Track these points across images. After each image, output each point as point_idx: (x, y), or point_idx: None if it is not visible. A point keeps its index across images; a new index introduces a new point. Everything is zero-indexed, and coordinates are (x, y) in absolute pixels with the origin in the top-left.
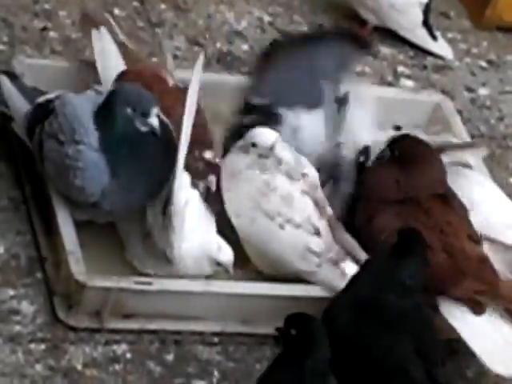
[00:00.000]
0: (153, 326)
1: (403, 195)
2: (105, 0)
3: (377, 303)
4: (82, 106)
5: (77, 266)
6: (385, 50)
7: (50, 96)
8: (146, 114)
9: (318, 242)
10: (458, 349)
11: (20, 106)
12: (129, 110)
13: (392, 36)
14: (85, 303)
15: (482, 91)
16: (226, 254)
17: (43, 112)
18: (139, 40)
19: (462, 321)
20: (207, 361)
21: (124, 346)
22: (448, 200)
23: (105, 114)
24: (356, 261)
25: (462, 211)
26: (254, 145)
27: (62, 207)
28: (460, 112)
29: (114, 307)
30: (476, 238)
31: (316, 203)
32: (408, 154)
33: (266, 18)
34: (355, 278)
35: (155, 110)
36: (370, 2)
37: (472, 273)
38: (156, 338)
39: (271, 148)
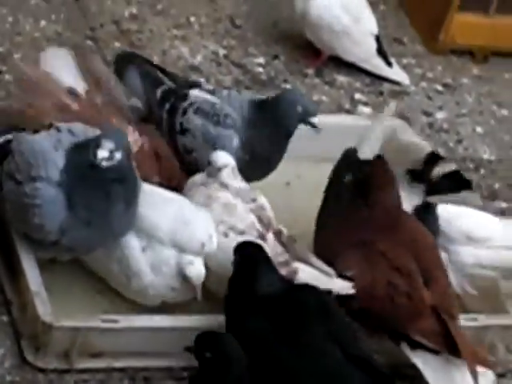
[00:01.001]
0: (121, 363)
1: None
2: (60, 41)
3: (278, 300)
4: (41, 142)
5: (43, 307)
6: (341, 78)
7: (9, 137)
8: (98, 146)
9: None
10: None
11: None
12: (92, 144)
13: (348, 64)
14: (52, 344)
15: (440, 115)
16: (196, 270)
17: (2, 153)
18: None
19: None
20: None
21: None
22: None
23: (77, 150)
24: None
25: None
26: (209, 163)
27: (25, 248)
28: (419, 135)
29: (81, 347)
30: (430, 276)
31: (260, 219)
32: (368, 176)
33: (221, 52)
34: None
35: (108, 144)
36: (325, 33)
37: (425, 316)
38: (125, 376)
39: (219, 169)
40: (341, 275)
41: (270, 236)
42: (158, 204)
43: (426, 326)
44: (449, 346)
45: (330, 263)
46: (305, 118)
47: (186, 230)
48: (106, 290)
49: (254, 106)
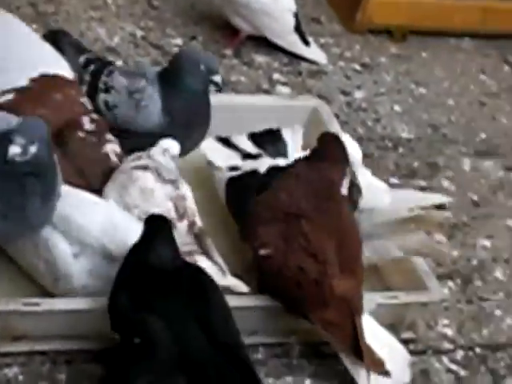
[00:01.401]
0: (43, 346)
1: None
2: None
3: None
4: None
5: None
6: (259, 59)
7: None
8: (10, 141)
9: None
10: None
11: None
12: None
13: (266, 44)
14: None
15: (358, 94)
16: None
17: None
18: None
19: None
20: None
21: (15, 369)
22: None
23: None
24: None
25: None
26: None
27: None
28: (337, 115)
29: (3, 330)
30: (347, 268)
31: (176, 208)
32: (319, 149)
33: (139, 33)
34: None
35: (20, 139)
36: (243, 10)
37: (332, 307)
38: (47, 359)
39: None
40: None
41: (183, 225)
42: (86, 208)
43: (331, 317)
44: (349, 341)
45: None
46: (209, 78)
47: (115, 236)
48: (26, 274)
49: (161, 76)
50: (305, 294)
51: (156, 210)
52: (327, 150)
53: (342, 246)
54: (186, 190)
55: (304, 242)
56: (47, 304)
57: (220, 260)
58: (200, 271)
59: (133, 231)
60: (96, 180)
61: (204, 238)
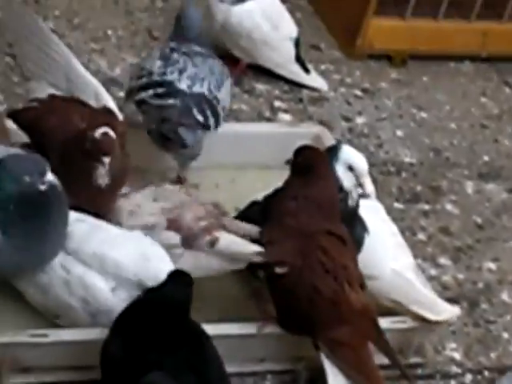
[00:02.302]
0: (51, 377)
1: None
2: None
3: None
4: None
5: None
6: (260, 87)
7: None
8: (43, 174)
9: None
10: None
11: None
12: (26, 178)
13: (266, 72)
14: None
15: (359, 120)
16: None
17: None
18: (15, 95)
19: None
20: None
21: None
22: (342, 241)
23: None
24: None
25: (353, 251)
26: None
27: None
28: (339, 142)
29: (11, 361)
30: (363, 283)
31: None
32: (309, 166)
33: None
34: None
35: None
36: (244, 42)
37: (350, 322)
38: None
39: None
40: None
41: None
42: (119, 243)
43: (343, 336)
44: (358, 363)
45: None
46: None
47: (149, 266)
48: (32, 306)
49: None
50: (318, 313)
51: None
52: (315, 165)
53: (354, 259)
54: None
55: (323, 257)
56: (55, 335)
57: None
58: (195, 324)
59: (164, 259)
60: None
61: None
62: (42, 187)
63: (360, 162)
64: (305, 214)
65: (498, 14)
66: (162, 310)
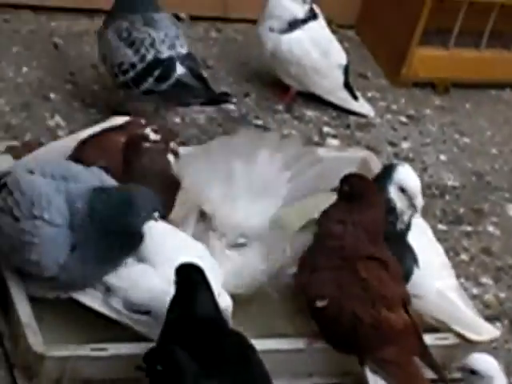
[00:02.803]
0: None
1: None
2: (40, 85)
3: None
4: (44, 185)
5: (34, 338)
6: (309, 113)
7: None
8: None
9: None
10: None
11: None
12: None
13: (315, 98)
14: (44, 373)
15: (405, 145)
16: (225, 301)
17: None
18: (76, 121)
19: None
20: None
21: None
22: (385, 265)
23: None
24: None
25: (396, 274)
26: None
27: (15, 282)
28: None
29: (72, 374)
30: (406, 302)
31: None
32: (356, 193)
33: None
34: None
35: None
36: (294, 69)
37: (395, 342)
38: None
39: None
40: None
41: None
42: (180, 249)
43: (390, 355)
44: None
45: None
46: None
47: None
48: (94, 319)
49: None
50: (361, 338)
51: None
52: (363, 193)
53: (397, 280)
54: None
55: (361, 288)
56: (114, 349)
57: None
58: (240, 335)
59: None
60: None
61: None
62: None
63: (414, 183)
64: (351, 238)
65: None
66: (203, 325)
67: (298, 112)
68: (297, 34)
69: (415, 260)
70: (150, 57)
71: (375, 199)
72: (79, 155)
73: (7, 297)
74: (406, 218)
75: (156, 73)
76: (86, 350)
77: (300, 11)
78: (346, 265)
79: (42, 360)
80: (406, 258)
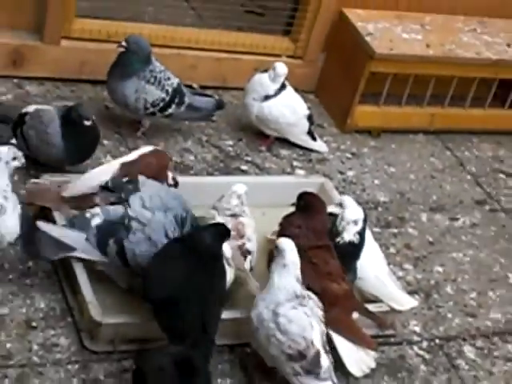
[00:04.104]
0: (150, 346)
1: (303, 243)
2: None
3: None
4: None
5: (94, 311)
6: (283, 152)
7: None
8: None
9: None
10: None
11: None
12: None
13: (287, 142)
14: (102, 335)
15: (350, 173)
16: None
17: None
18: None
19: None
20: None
21: (131, 361)
22: (328, 250)
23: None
24: None
25: (334, 257)
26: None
27: (80, 269)
28: (337, 188)
29: (122, 336)
30: (344, 277)
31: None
32: (307, 206)
33: (204, 138)
34: None
35: None
36: (272, 125)
37: (339, 305)
38: None
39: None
40: None
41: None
42: None
43: (337, 315)
44: (350, 331)
45: None
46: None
47: None
48: (134, 297)
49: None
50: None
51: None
52: (312, 206)
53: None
54: (246, 219)
55: (312, 271)
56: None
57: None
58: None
59: None
60: None
61: (246, 257)
62: None
63: (357, 210)
64: (304, 237)
65: (441, 102)
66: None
67: (276, 151)
68: (273, 101)
69: (355, 275)
70: (170, 89)
71: (320, 209)
72: (125, 172)
73: (75, 281)
74: (351, 232)
75: (177, 100)
76: (131, 319)
77: (271, 89)
78: (301, 254)
79: (99, 326)
80: (352, 264)
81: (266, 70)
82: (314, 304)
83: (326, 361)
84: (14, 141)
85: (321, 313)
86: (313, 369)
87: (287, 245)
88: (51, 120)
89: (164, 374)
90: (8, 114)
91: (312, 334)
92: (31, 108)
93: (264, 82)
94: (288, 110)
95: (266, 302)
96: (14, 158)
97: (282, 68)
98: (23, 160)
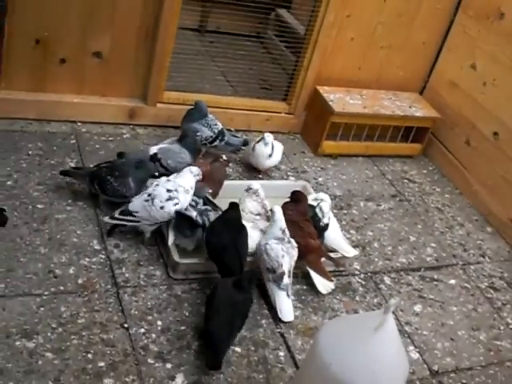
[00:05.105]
0: (210, 276)
1: (294, 219)
2: None
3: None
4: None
5: (176, 256)
6: (282, 167)
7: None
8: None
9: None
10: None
11: None
12: None
13: (283, 161)
14: (180, 269)
15: (320, 179)
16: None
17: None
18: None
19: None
20: None
21: (197, 283)
22: (309, 222)
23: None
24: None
25: (312, 227)
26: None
27: (170, 241)
28: (313, 187)
29: (192, 270)
30: (318, 237)
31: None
32: (297, 198)
33: (237, 159)
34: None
35: None
36: (254, 161)
37: (314, 252)
38: (210, 283)
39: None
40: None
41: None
42: None
43: (313, 258)
44: (320, 268)
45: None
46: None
47: None
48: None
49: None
50: (301, 251)
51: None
52: (300, 198)
53: (312, 231)
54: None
55: (299, 228)
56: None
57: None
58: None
59: None
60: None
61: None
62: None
63: (327, 199)
64: (295, 215)
65: (372, 139)
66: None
67: (278, 167)
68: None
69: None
70: (216, 131)
71: (304, 200)
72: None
73: (165, 241)
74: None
75: (220, 137)
76: (196, 260)
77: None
78: (294, 224)
79: (178, 264)
80: (323, 233)
81: (261, 139)
82: (290, 246)
83: (287, 279)
84: (156, 173)
85: (294, 253)
86: (277, 280)
87: (277, 209)
88: (178, 149)
89: (227, 289)
90: (141, 157)
91: (282, 261)
92: (154, 149)
93: (262, 149)
94: (270, 153)
95: (263, 239)
96: (198, 174)
97: (269, 136)
98: (201, 176)
